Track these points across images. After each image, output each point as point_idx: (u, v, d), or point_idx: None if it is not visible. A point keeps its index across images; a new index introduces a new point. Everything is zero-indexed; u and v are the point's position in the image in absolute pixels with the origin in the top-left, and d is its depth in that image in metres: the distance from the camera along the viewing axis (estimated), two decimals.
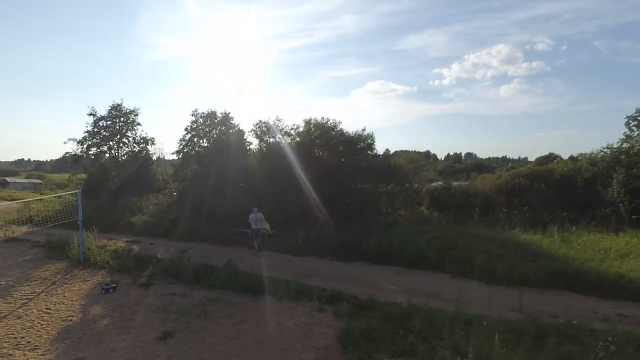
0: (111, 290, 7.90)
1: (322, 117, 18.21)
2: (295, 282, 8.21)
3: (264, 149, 16.53)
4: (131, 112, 22.52)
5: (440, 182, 21.77)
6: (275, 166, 14.90)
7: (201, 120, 21.33)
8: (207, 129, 21.09)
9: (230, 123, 21.59)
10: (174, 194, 20.90)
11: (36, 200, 27.21)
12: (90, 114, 21.77)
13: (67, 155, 22.41)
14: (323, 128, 17.86)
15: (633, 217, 15.77)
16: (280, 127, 19.04)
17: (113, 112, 22.17)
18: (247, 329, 6.15)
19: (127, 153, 22.33)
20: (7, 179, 62.33)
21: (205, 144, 20.42)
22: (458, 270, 9.38)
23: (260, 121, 19.24)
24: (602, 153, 20.23)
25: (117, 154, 22.13)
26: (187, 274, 8.59)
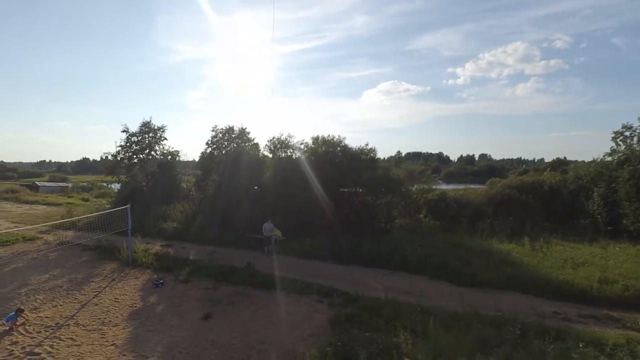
0: (160, 285, 10.29)
1: (329, 135, 20.54)
2: (300, 281, 10.44)
3: (277, 166, 18.79)
4: (159, 128, 25.32)
5: (439, 185, 23.64)
6: (285, 181, 17.19)
7: (220, 135, 23.85)
8: (225, 143, 23.56)
9: (247, 137, 24.04)
10: (196, 200, 23.42)
11: (76, 205, 30.27)
12: (124, 131, 24.64)
13: (106, 159, 25.60)
14: (329, 144, 20.12)
15: (609, 228, 17.40)
16: (292, 144, 21.44)
17: (143, 128, 24.97)
18: (263, 314, 8.41)
19: (155, 164, 25.01)
20: (37, 182, 66.55)
21: (224, 157, 22.81)
22: (435, 273, 11.44)
23: (273, 137, 21.71)
24: (590, 165, 21.78)
25: (146, 165, 24.83)
26: (216, 273, 10.95)
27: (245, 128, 23.48)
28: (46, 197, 45.33)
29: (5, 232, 18.30)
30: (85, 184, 65.19)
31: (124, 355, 6.68)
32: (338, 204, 17.60)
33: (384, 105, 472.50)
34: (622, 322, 8.42)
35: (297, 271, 11.61)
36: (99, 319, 8.37)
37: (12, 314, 8.04)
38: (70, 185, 63.11)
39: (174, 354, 6.68)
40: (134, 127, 24.90)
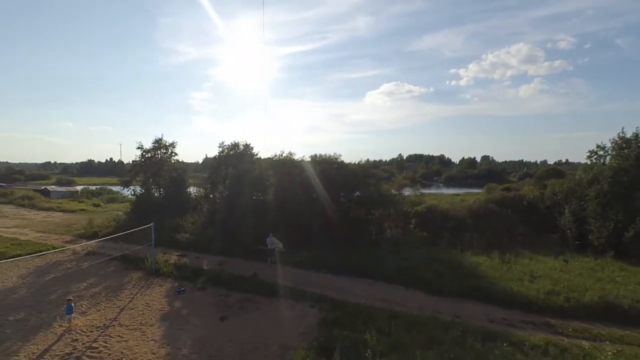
0: (182, 292, 12.49)
1: (326, 153, 22.73)
2: (297, 289, 12.63)
3: (278, 185, 20.97)
4: (170, 144, 27.68)
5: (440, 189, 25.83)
6: (286, 200, 19.39)
7: (226, 151, 26.09)
8: (230, 160, 25.74)
9: (250, 152, 26.27)
10: (205, 212, 25.60)
11: (89, 212, 32.46)
12: (139, 148, 26.99)
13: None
14: (326, 162, 22.26)
15: (576, 242, 19.39)
16: (292, 160, 23.59)
17: (156, 144, 27.33)
18: (267, 316, 10.60)
19: (167, 178, 27.26)
20: (48, 187, 69.01)
21: (231, 174, 24.94)
22: (411, 284, 13.55)
23: (275, 154, 23.96)
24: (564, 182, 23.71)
25: (159, 179, 27.11)
26: (228, 282, 13.16)
27: (250, 144, 25.80)
28: (60, 203, 47.58)
29: (39, 243, 20.69)
30: (95, 188, 67.70)
31: (163, 347, 8.87)
32: (333, 218, 19.73)
33: (386, 107, 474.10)
34: (555, 328, 10.44)
35: (294, 280, 13.79)
36: (137, 320, 10.57)
37: (68, 306, 10.14)
38: (79, 189, 65.63)
39: (201, 346, 8.87)
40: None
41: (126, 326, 10.16)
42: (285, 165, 23.10)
